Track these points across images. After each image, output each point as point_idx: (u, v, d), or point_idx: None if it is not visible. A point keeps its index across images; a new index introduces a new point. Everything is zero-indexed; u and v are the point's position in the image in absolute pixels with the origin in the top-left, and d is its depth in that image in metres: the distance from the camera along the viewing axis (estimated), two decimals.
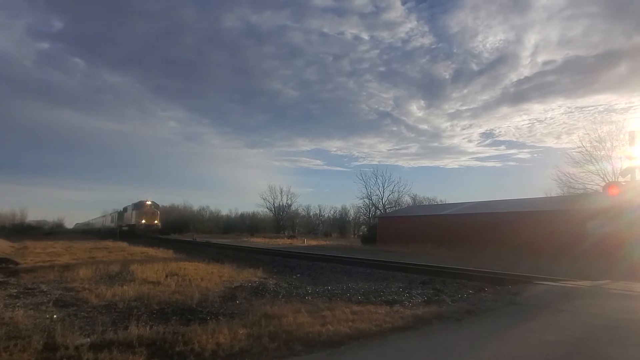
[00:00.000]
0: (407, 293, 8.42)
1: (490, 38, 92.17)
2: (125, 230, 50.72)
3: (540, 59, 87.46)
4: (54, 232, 63.94)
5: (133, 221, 49.44)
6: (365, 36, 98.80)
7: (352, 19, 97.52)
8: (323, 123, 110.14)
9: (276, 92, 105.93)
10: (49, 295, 8.00)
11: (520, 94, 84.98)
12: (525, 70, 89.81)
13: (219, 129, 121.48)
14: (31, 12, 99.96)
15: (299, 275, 11.93)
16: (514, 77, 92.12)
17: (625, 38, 67.47)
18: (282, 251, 20.15)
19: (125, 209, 56.33)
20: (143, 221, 48.42)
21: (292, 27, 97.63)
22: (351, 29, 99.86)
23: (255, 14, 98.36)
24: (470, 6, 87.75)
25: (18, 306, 6.84)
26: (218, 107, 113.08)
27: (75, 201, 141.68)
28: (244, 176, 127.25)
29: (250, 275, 11.25)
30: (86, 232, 68.50)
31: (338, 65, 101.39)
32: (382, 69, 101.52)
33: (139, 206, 50.23)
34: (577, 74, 77.83)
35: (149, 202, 50.61)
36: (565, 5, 76.18)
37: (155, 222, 49.61)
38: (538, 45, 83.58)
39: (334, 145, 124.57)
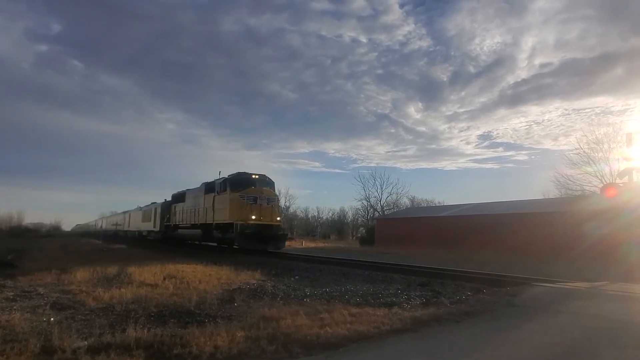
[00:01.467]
0: (406, 295, 8.41)
1: (487, 41, 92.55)
2: (192, 234, 26.81)
3: (537, 61, 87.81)
4: (51, 234, 63.66)
5: (223, 217, 21.88)
6: (363, 39, 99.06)
7: (350, 22, 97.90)
8: (321, 125, 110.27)
9: (275, 94, 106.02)
10: (46, 298, 7.96)
11: (517, 96, 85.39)
12: (522, 73, 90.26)
13: (217, 131, 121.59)
14: (30, 15, 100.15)
15: (297, 277, 11.91)
16: (511, 79, 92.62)
17: (622, 40, 67.83)
18: (280, 253, 20.09)
19: (182, 196, 29.45)
20: (253, 217, 20.63)
21: (291, 29, 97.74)
22: (349, 32, 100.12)
23: (254, 16, 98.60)
24: (467, 9, 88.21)
25: (15, 309, 6.80)
26: (216, 109, 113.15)
27: (74, 203, 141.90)
28: None
29: (248, 278, 11.22)
30: (87, 236, 61.16)
31: (336, 67, 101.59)
32: (380, 71, 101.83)
33: (239, 184, 21.88)
34: (574, 76, 78.25)
35: (255, 176, 22.57)
36: (561, 8, 76.57)
37: (278, 219, 22.35)
38: (535, 47, 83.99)
39: (332, 147, 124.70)
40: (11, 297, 8.13)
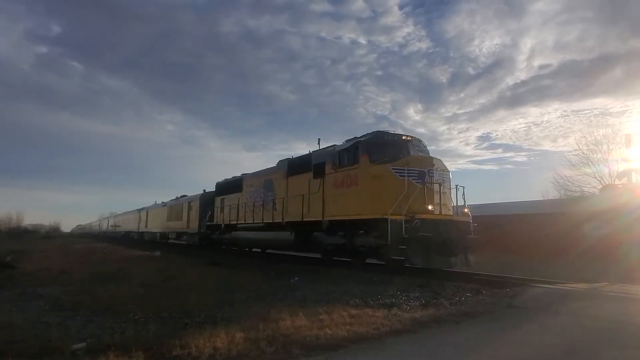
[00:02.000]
0: (405, 296, 8.40)
1: (486, 42, 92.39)
2: (271, 239, 17.85)
3: (536, 62, 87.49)
4: (50, 236, 63.54)
5: (351, 209, 12.43)
6: (362, 40, 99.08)
7: (349, 24, 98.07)
8: (321, 126, 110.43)
9: (274, 95, 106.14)
10: (45, 299, 7.96)
11: (516, 98, 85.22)
12: (521, 74, 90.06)
13: (216, 132, 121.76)
14: (30, 16, 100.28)
15: (296, 278, 11.89)
16: (510, 80, 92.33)
17: (620, 42, 67.78)
18: (280, 254, 20.05)
19: (234, 183, 22.05)
20: (429, 207, 11.33)
21: (290, 31, 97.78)
22: (348, 34, 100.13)
23: (253, 18, 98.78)
24: (466, 11, 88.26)
25: (14, 310, 6.80)
26: (216, 110, 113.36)
27: (73, 204, 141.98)
28: None
29: (248, 279, 11.21)
30: (91, 239, 52.45)
31: (335, 69, 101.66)
32: (379, 73, 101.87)
33: (383, 149, 12.50)
34: (573, 78, 78.16)
35: (407, 137, 13.41)
36: (560, 10, 76.54)
37: (465, 210, 12.44)
38: (534, 49, 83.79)
39: None
40: (10, 298, 8.13)
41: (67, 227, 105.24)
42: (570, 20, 73.67)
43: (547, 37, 79.24)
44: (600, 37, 71.27)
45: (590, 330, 5.43)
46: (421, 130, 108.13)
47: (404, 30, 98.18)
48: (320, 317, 6.10)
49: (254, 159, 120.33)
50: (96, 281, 10.34)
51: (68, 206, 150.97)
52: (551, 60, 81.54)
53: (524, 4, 78.94)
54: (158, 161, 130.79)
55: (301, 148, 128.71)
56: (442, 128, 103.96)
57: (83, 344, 4.61)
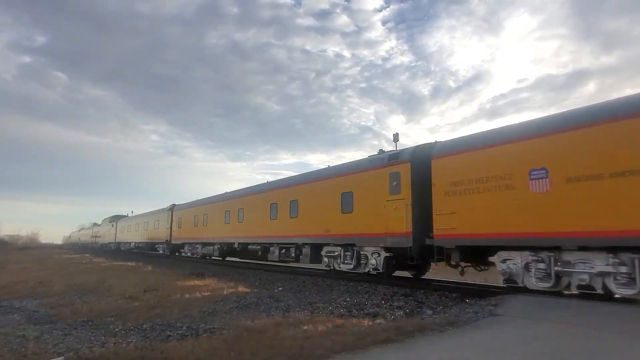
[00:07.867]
0: (389, 305, 8.42)
1: (466, 57, 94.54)
2: None
3: (514, 76, 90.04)
4: (28, 247, 61.78)
5: None
6: (346, 54, 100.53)
7: (334, 38, 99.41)
8: (306, 137, 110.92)
9: (260, 106, 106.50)
10: (22, 312, 7.74)
11: (496, 110, 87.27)
12: (500, 88, 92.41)
13: (201, 143, 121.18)
14: (15, 27, 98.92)
15: (280, 288, 11.83)
16: (489, 93, 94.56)
17: (593, 58, 70.24)
18: (265, 265, 19.90)
19: None
20: None
21: (276, 44, 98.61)
22: (333, 47, 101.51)
23: (240, 31, 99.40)
24: (446, 27, 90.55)
25: None
26: (201, 121, 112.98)
27: (55, 215, 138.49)
28: (226, 189, 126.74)
29: (231, 289, 11.09)
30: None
31: (320, 81, 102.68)
32: (363, 85, 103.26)
33: None
34: (549, 92, 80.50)
35: None
36: (536, 26, 79.02)
37: None
38: (511, 63, 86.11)
39: (316, 159, 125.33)
40: None
41: (45, 238, 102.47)
42: (545, 36, 76.19)
43: (524, 52, 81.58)
44: (574, 53, 73.83)
45: (573, 337, 5.52)
46: (404, 141, 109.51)
47: (387, 45, 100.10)
48: (305, 327, 6.07)
49: (240, 169, 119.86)
50: (75, 293, 10.09)
51: (50, 217, 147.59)
52: (528, 75, 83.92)
53: (501, 20, 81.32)
54: (142, 171, 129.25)
55: (286, 158, 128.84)
56: (425, 139, 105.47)
57: (61, 358, 4.50)
